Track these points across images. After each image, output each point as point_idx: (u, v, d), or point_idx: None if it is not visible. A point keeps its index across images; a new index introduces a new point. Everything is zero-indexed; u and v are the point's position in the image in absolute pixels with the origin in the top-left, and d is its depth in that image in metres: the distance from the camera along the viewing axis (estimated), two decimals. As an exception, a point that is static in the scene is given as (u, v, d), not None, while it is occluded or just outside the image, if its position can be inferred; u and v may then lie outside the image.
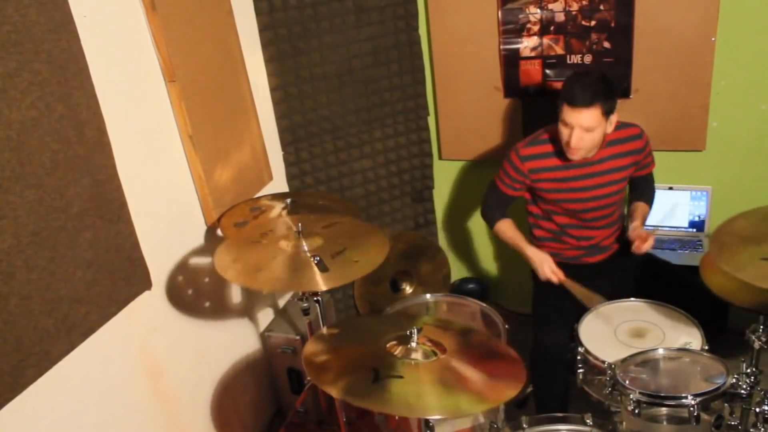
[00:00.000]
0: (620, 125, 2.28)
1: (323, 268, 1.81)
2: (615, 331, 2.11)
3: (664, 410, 1.79)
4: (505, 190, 2.42)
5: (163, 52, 2.07)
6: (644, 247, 2.21)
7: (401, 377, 1.51)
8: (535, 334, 2.26)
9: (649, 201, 2.47)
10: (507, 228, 2.46)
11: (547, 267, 2.30)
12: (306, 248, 1.91)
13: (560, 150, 2.26)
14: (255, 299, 2.75)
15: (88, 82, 1.79)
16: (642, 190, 2.48)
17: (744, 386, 1.78)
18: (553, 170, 2.31)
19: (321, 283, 1.79)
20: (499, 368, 1.64)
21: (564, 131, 2.17)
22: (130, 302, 1.98)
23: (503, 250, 3.25)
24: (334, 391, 1.48)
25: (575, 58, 2.75)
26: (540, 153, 2.31)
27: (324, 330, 1.81)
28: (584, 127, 2.12)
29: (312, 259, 1.85)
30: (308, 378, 1.66)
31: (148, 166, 2.09)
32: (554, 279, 2.28)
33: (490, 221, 2.50)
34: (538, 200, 2.44)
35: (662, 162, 2.44)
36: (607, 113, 2.13)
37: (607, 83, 2.14)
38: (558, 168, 2.30)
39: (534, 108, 2.89)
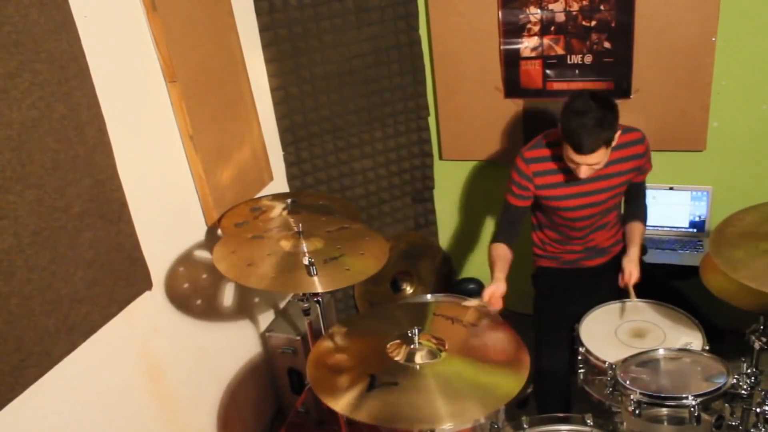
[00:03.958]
0: (623, 129, 2.21)
1: (311, 273, 1.81)
2: (615, 331, 2.11)
3: (664, 410, 1.80)
4: (515, 201, 2.34)
5: (164, 53, 2.07)
6: (631, 281, 2.21)
7: (395, 384, 1.50)
8: (537, 357, 2.26)
9: (644, 219, 2.45)
10: (495, 252, 2.34)
11: (488, 294, 2.22)
12: (305, 248, 1.92)
13: (559, 155, 2.25)
14: (255, 300, 2.75)
15: (88, 83, 1.79)
16: (636, 203, 2.44)
17: (744, 386, 1.78)
18: (554, 174, 2.29)
19: (309, 285, 1.81)
20: (499, 367, 1.63)
21: (569, 163, 2.16)
22: (130, 302, 1.98)
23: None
24: (331, 402, 1.48)
25: (576, 59, 2.75)
26: (542, 156, 2.30)
27: (330, 331, 1.81)
28: (590, 164, 2.12)
29: (304, 259, 1.85)
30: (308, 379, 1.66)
31: (149, 166, 2.09)
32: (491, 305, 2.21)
33: (493, 240, 2.42)
34: (537, 205, 2.43)
35: (662, 162, 2.43)
36: (610, 143, 2.10)
37: (608, 117, 2.05)
38: (559, 171, 2.29)
39: (534, 108, 2.89)
